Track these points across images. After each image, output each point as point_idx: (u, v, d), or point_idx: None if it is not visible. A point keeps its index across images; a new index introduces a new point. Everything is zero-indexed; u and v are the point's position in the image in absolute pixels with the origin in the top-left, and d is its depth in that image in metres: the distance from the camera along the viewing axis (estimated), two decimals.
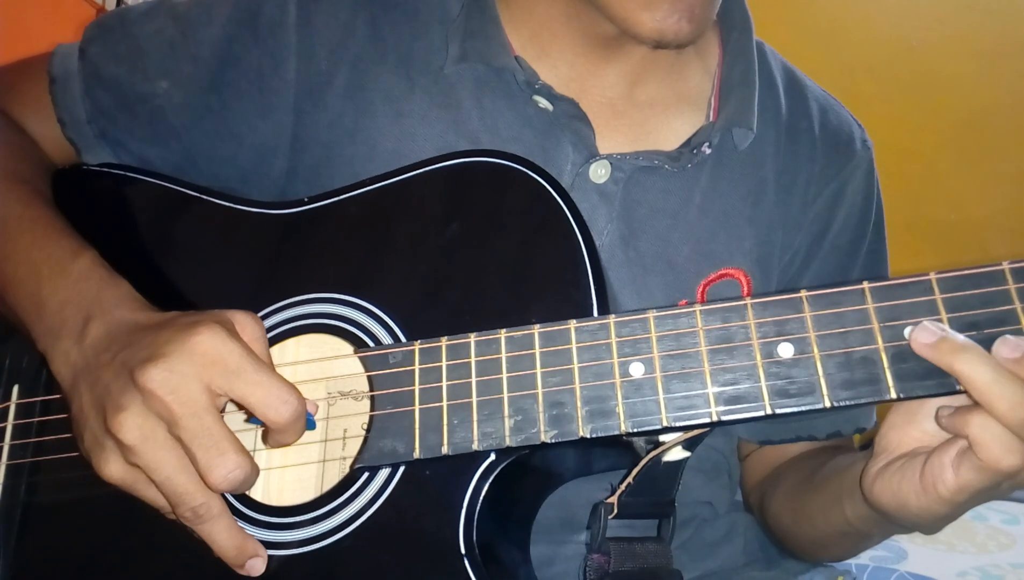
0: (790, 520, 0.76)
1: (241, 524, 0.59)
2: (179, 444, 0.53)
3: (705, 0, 0.68)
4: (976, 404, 0.49)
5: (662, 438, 0.56)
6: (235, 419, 0.59)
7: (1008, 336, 0.49)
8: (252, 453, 0.56)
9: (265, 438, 0.58)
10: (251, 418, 0.57)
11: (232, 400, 0.55)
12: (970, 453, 0.50)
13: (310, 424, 0.58)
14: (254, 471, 0.54)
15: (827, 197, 0.80)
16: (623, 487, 0.58)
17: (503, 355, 0.56)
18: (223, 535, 0.55)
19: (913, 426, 0.55)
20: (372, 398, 0.58)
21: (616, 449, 0.58)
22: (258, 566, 0.56)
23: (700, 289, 0.57)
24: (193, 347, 0.53)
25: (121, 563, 0.62)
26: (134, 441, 0.53)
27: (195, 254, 0.70)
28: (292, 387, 0.55)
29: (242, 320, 0.57)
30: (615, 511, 0.59)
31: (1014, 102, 2.03)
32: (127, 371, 0.54)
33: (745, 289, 0.56)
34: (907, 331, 0.50)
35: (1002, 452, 0.48)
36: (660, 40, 0.68)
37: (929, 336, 0.49)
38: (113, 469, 0.55)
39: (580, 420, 0.53)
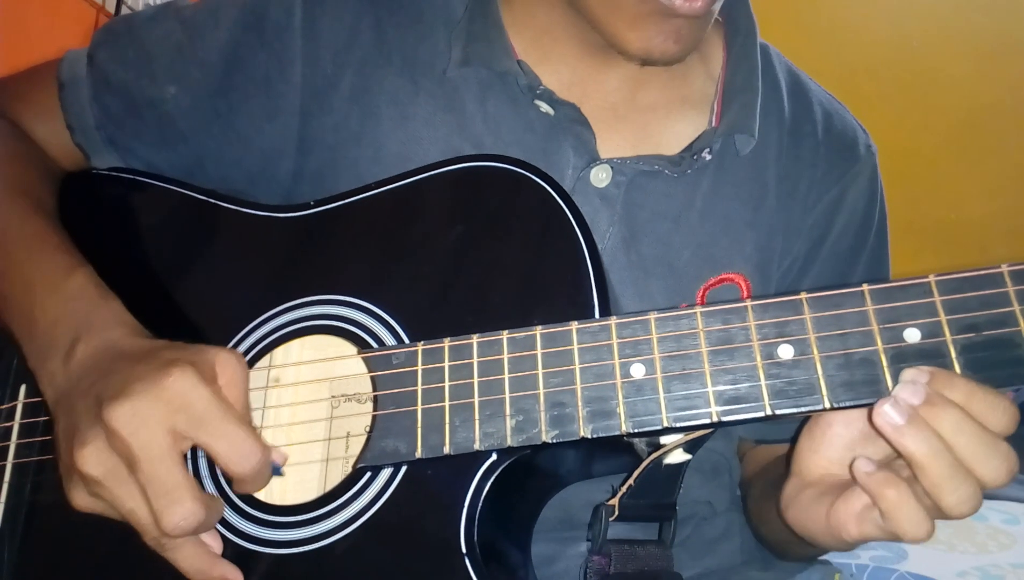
0: (757, 521, 0.77)
1: (244, 522, 0.59)
2: (137, 483, 0.53)
3: (693, 22, 0.68)
4: (892, 469, 0.50)
5: (663, 440, 0.56)
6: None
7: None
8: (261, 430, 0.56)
9: (230, 484, 0.59)
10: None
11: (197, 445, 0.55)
12: (876, 513, 0.51)
13: (276, 472, 0.58)
14: (211, 516, 0.54)
15: (827, 203, 0.80)
16: (624, 489, 0.59)
17: (505, 356, 0.56)
18: (187, 562, 0.55)
19: (819, 455, 0.56)
20: (375, 398, 0.58)
21: (617, 451, 0.58)
22: None
23: (700, 293, 0.57)
24: (162, 389, 0.53)
25: (124, 561, 0.62)
26: (95, 476, 0.53)
27: (201, 257, 0.71)
28: (255, 439, 0.55)
29: (224, 360, 0.56)
30: (616, 513, 0.59)
31: (1014, 102, 2.03)
32: (97, 404, 0.54)
33: (745, 293, 0.56)
34: (906, 333, 0.50)
35: (910, 526, 0.49)
36: (647, 59, 0.69)
37: (898, 417, 0.48)
38: (79, 499, 0.56)
39: (581, 420, 0.53)
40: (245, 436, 0.54)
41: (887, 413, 0.48)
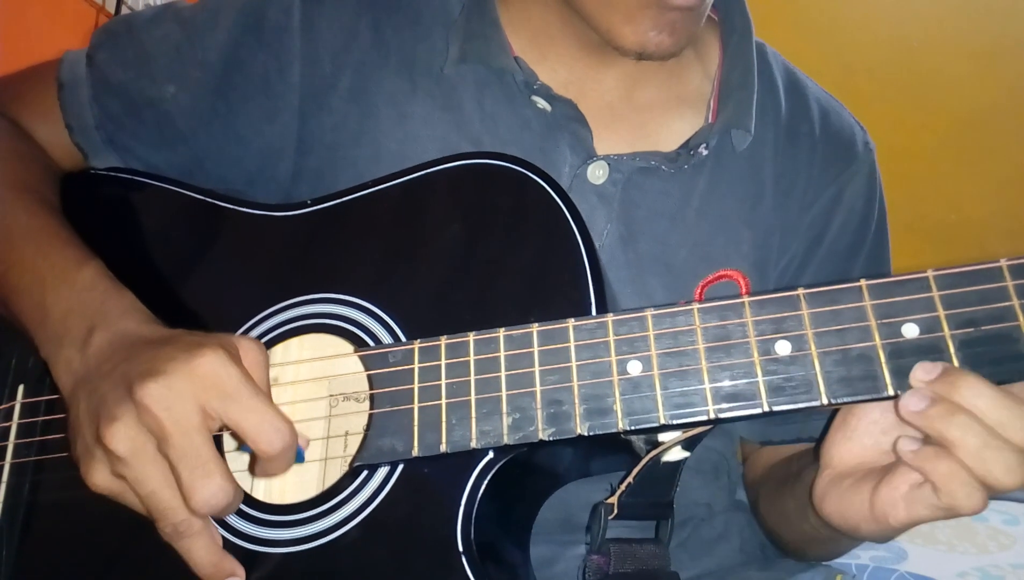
0: (773, 522, 0.77)
1: (242, 522, 0.59)
2: (167, 461, 0.53)
3: (687, 15, 0.68)
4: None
5: (661, 437, 0.56)
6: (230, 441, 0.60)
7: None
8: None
9: (252, 468, 0.58)
10: (242, 446, 0.57)
11: (225, 425, 0.55)
12: (926, 490, 0.50)
13: (299, 458, 0.58)
14: (237, 496, 0.55)
15: (825, 201, 0.80)
16: (623, 487, 0.58)
17: (502, 354, 0.56)
18: (200, 553, 0.55)
19: (853, 442, 0.55)
20: (372, 397, 0.58)
21: (615, 449, 0.58)
22: None
23: (698, 290, 0.57)
24: (194, 367, 0.53)
25: (124, 560, 0.62)
26: (123, 453, 0.53)
27: (199, 256, 0.71)
28: (285, 419, 0.55)
29: (245, 346, 0.57)
30: (615, 512, 0.59)
31: (1014, 102, 2.03)
32: (125, 383, 0.54)
33: (743, 289, 0.56)
34: (904, 329, 0.50)
35: (965, 498, 0.48)
36: (642, 53, 0.70)
37: (918, 402, 0.49)
38: (99, 478, 0.56)
39: (578, 418, 0.53)
40: (275, 414, 0.54)
41: (910, 403, 0.48)
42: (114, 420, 0.53)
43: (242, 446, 0.58)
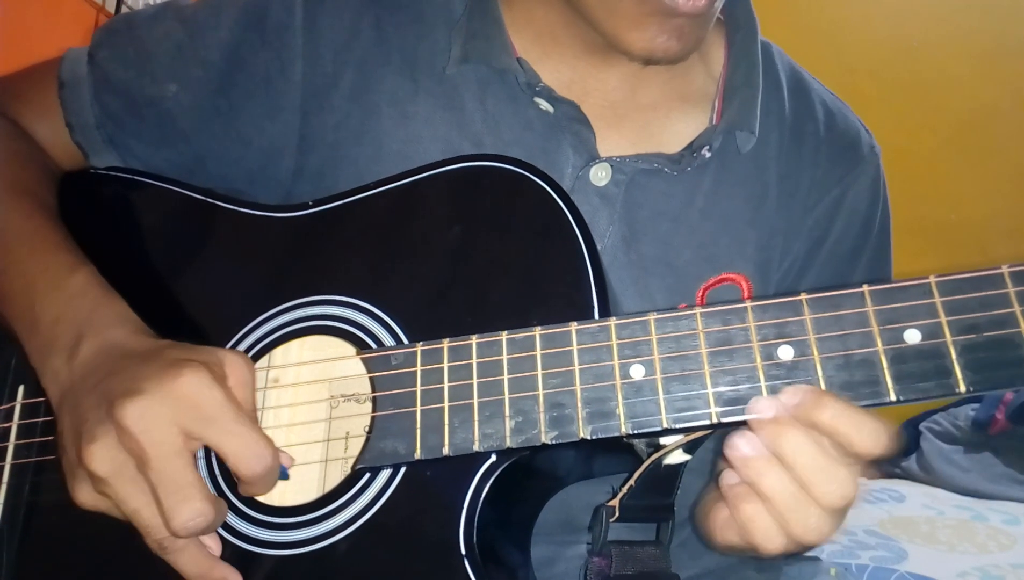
0: None
1: (243, 524, 0.59)
2: (147, 482, 0.53)
3: (694, 20, 0.68)
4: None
5: (663, 441, 0.56)
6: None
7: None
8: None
9: (232, 486, 0.59)
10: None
11: (206, 446, 0.55)
12: (735, 524, 0.53)
13: (283, 475, 0.58)
14: (219, 516, 0.54)
15: (828, 203, 0.80)
16: (625, 490, 0.59)
17: (504, 357, 0.56)
18: (188, 566, 0.55)
19: None
20: (374, 399, 0.58)
21: (617, 452, 0.58)
22: None
23: (700, 293, 0.57)
24: (174, 388, 0.53)
25: (124, 561, 0.62)
26: (103, 474, 0.53)
27: (199, 257, 0.71)
28: (267, 441, 0.55)
29: (232, 361, 0.57)
30: (616, 514, 0.59)
31: (1014, 102, 2.04)
32: (106, 401, 0.54)
33: (746, 293, 0.56)
34: (907, 334, 0.50)
35: (763, 540, 0.51)
36: (649, 58, 0.69)
37: (743, 448, 0.51)
38: (84, 496, 0.56)
39: (580, 421, 0.53)
40: (257, 437, 0.54)
41: (738, 446, 0.51)
42: (94, 441, 0.53)
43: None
